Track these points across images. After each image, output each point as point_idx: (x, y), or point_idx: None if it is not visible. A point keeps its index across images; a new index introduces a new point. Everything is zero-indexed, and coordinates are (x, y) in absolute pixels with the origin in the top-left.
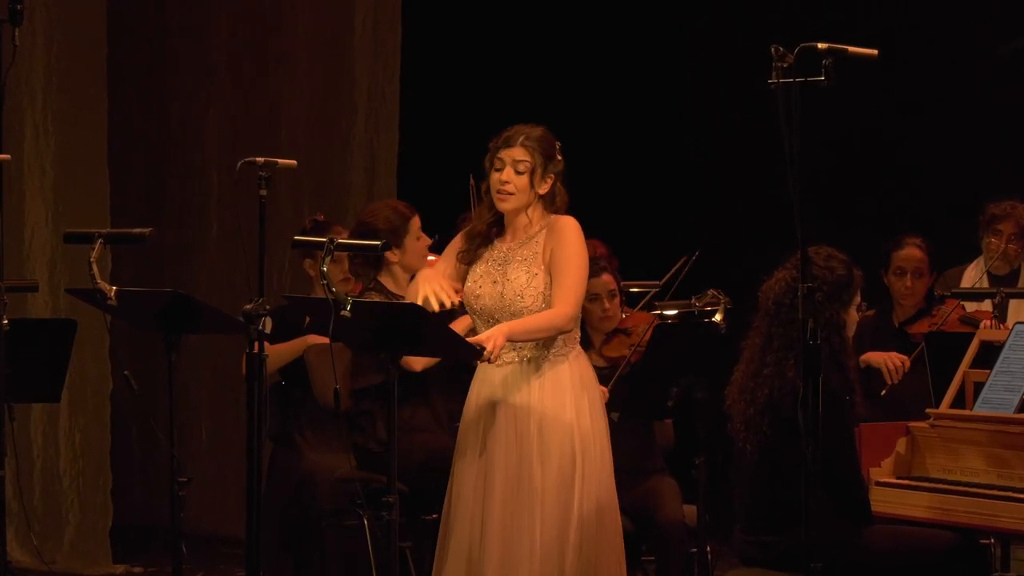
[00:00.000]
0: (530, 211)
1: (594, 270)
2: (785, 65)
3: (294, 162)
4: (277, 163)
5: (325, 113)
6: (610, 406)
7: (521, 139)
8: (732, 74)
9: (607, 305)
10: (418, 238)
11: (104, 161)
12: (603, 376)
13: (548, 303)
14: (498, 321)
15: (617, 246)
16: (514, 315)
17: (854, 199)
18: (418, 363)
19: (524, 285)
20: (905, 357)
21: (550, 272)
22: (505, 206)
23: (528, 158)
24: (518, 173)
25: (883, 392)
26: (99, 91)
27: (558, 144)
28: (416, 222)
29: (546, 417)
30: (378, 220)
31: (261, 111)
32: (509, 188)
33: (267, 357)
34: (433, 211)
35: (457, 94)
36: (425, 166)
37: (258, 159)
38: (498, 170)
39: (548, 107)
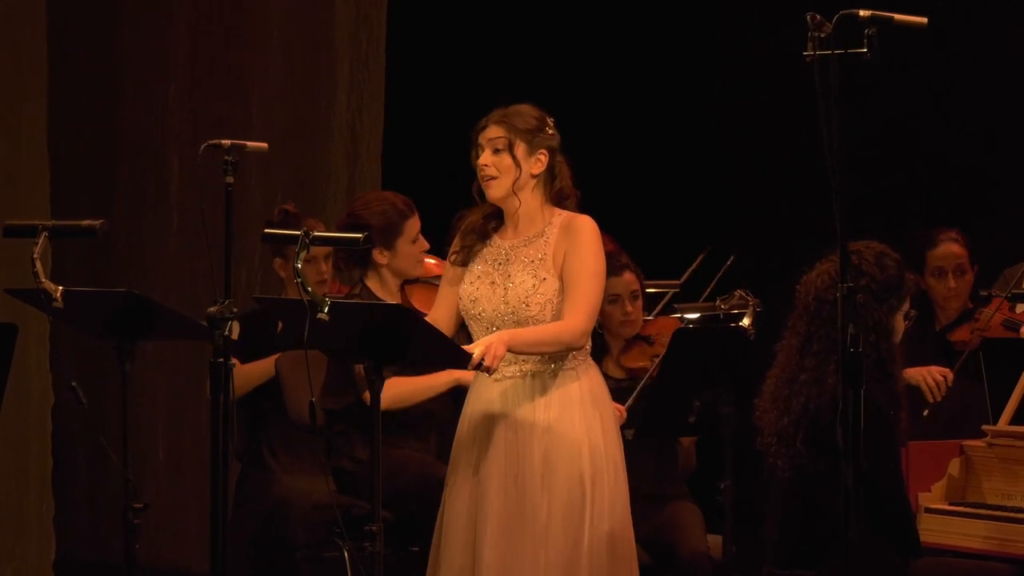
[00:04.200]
0: (528, 197)
1: (615, 268)
2: (823, 35)
3: (265, 145)
4: (246, 146)
5: (301, 89)
6: (630, 422)
7: (495, 117)
8: (759, 43)
9: (629, 308)
10: (413, 241)
11: (43, 141)
12: (621, 389)
13: (557, 313)
14: (500, 329)
15: (628, 241)
16: (518, 324)
17: (888, 188)
18: (384, 399)
19: (530, 291)
20: (947, 370)
21: (562, 279)
22: (492, 192)
23: (503, 134)
24: (496, 152)
25: (925, 412)
26: (38, 60)
27: (550, 119)
28: (414, 223)
29: (552, 438)
30: (370, 214)
31: (228, 86)
32: (490, 171)
33: (233, 366)
34: (425, 203)
35: (452, 69)
36: (415, 150)
37: (224, 142)
38: (479, 155)
39: (553, 83)
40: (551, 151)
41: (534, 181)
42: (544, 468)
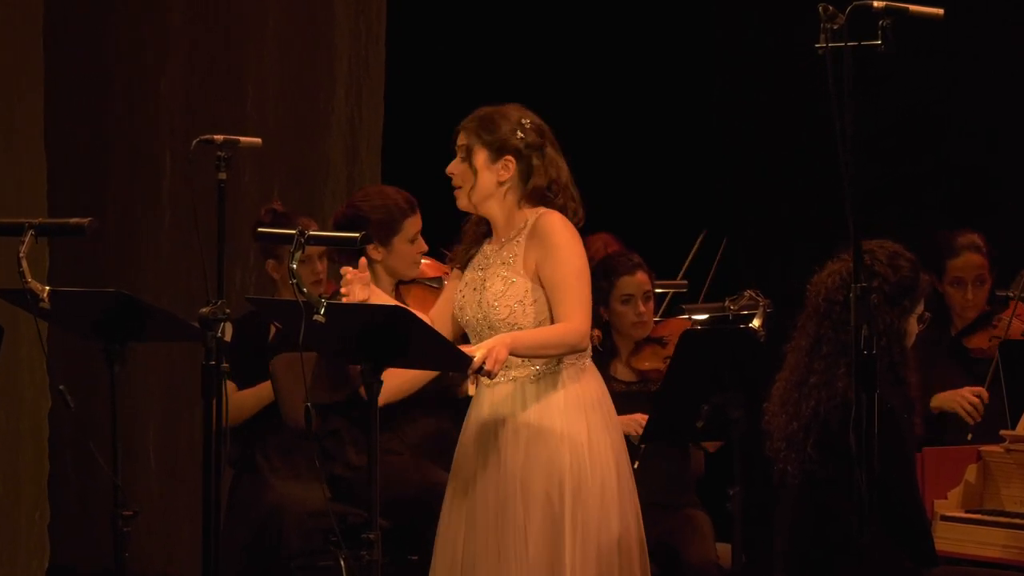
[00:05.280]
0: (498, 204)
1: (628, 267)
2: (835, 27)
3: (258, 141)
4: (239, 142)
5: (298, 83)
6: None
7: (464, 122)
8: (771, 36)
9: (641, 308)
10: (412, 241)
11: (40, 138)
12: (631, 392)
13: (532, 315)
14: (480, 336)
15: (633, 240)
16: (492, 328)
17: (900, 183)
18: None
19: (498, 294)
20: (979, 389)
21: (541, 284)
22: (459, 203)
23: (464, 141)
24: (462, 160)
25: (969, 436)
26: (35, 56)
27: (525, 121)
28: (414, 222)
29: (530, 446)
30: (370, 207)
31: (222, 80)
32: (455, 180)
33: (227, 371)
34: (426, 201)
35: (453, 64)
36: (416, 147)
37: (216, 137)
38: None
39: (553, 81)
40: (519, 154)
41: (503, 188)
42: (523, 476)
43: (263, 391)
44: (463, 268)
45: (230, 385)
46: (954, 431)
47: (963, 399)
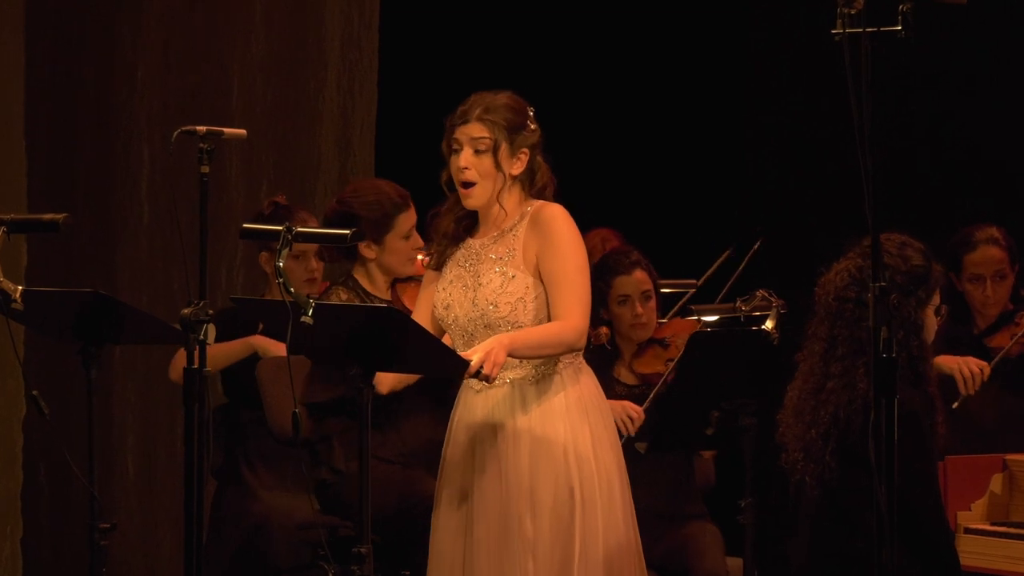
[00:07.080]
0: (504, 198)
1: (625, 266)
2: (853, 11)
3: (243, 132)
4: (223, 133)
5: (287, 70)
6: (642, 434)
7: (478, 112)
8: (780, 22)
9: (639, 309)
10: (406, 237)
11: (21, 133)
12: (634, 396)
13: (533, 312)
14: (473, 336)
15: (636, 236)
16: (489, 327)
17: (923, 178)
18: (385, 383)
19: (497, 290)
20: (984, 363)
21: (541, 278)
22: (471, 202)
23: (487, 134)
24: (478, 154)
25: (955, 404)
26: (15, 47)
27: (531, 111)
28: (408, 218)
29: (535, 453)
30: (360, 204)
31: (206, 68)
32: (470, 175)
33: (208, 374)
34: (422, 193)
35: (451, 48)
36: (412, 137)
37: (199, 128)
38: (456, 152)
39: (558, 63)
40: (532, 149)
41: (511, 181)
42: (530, 484)
43: (232, 347)
44: (438, 267)
45: None
46: (945, 397)
47: (964, 364)
